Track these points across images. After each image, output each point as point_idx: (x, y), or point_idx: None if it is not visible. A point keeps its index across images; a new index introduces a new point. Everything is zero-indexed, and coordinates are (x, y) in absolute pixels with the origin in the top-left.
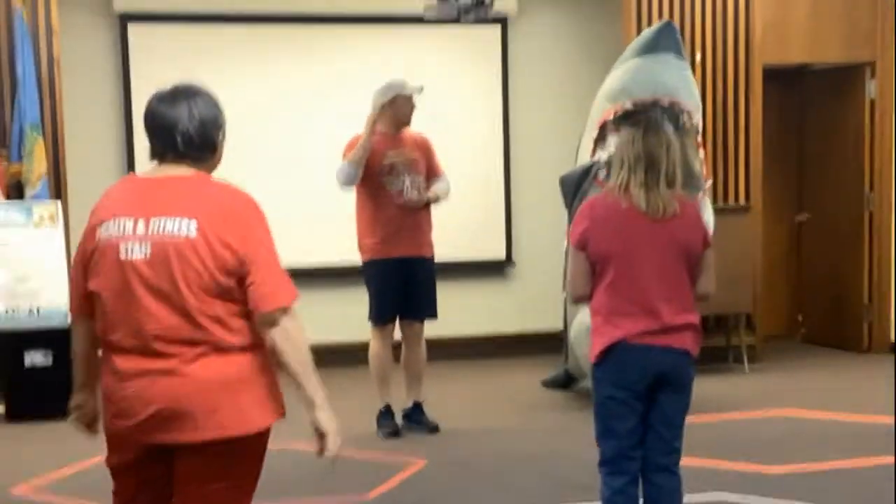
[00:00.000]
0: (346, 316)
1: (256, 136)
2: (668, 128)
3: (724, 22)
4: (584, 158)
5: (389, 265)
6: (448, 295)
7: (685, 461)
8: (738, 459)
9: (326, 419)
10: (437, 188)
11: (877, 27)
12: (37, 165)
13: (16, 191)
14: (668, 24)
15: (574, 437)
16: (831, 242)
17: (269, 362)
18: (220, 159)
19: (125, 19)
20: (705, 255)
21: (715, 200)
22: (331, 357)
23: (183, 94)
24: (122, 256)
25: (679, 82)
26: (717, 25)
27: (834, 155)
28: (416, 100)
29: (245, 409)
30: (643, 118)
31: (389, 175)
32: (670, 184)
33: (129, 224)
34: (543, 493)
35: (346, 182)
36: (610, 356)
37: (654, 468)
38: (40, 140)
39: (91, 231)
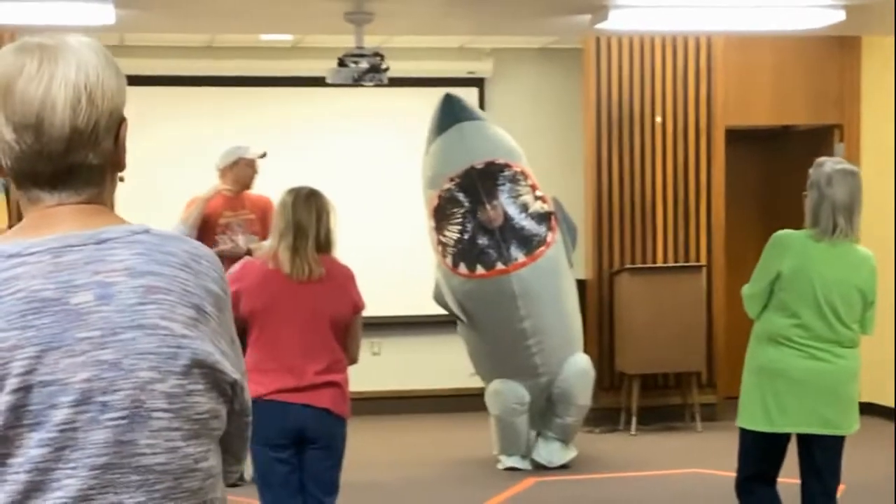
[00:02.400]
0: None
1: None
2: (321, 198)
3: (686, 84)
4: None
5: None
6: (427, 349)
7: None
8: None
9: None
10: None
11: (843, 90)
12: None
13: None
14: (447, 97)
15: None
16: None
17: None
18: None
19: None
20: (354, 321)
21: (675, 259)
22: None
23: None
24: None
25: (481, 142)
26: (679, 88)
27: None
28: (258, 165)
29: None
30: (295, 190)
31: (223, 234)
32: (321, 248)
33: None
34: None
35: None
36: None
37: None
38: (2, 197)
39: None
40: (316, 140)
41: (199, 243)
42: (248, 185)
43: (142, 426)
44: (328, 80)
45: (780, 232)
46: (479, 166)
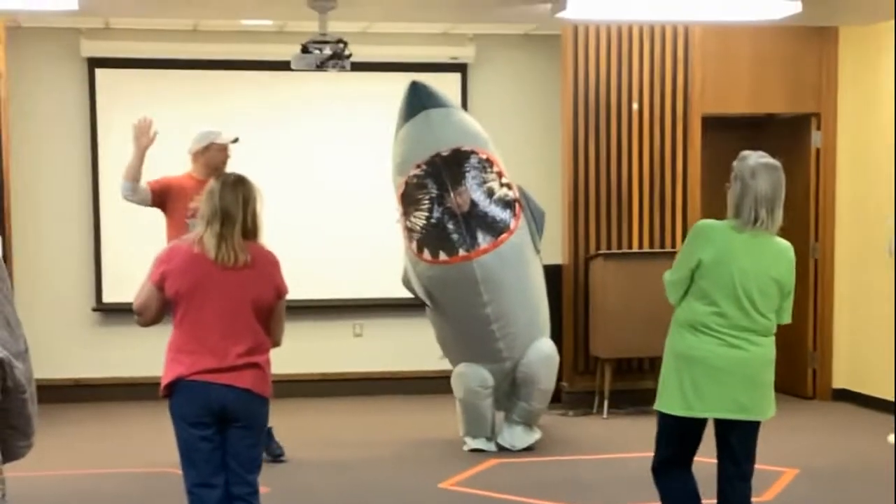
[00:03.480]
0: None
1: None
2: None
3: (663, 73)
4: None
5: None
6: (402, 332)
7: (477, 493)
8: (546, 497)
9: None
10: None
11: (821, 80)
12: None
13: None
14: (413, 84)
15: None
16: None
17: None
18: None
19: (93, 64)
20: (278, 305)
21: (651, 245)
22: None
23: None
24: None
25: (448, 129)
26: (656, 76)
27: (784, 202)
28: (231, 149)
29: None
30: (223, 176)
31: (193, 218)
32: (247, 235)
33: None
34: None
35: (123, 194)
36: (174, 391)
37: (233, 498)
38: None
39: None
40: (300, 124)
41: None
42: (219, 170)
43: None
44: (292, 66)
45: (703, 221)
46: (445, 153)
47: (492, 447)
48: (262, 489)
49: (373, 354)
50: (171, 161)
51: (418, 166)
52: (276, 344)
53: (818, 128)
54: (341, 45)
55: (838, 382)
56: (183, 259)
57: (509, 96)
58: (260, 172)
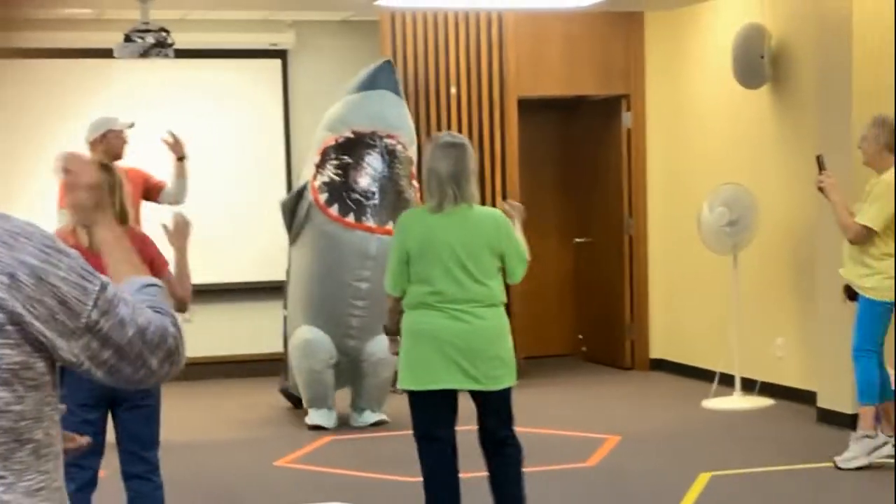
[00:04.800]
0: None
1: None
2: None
3: (478, 57)
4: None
5: None
6: (236, 316)
7: (312, 469)
8: (380, 471)
9: None
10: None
11: (629, 62)
12: None
13: None
14: (387, 62)
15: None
16: (602, 265)
17: None
18: None
19: None
20: (164, 279)
21: None
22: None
23: None
24: None
25: (396, 118)
26: (472, 60)
27: (598, 182)
28: (128, 135)
29: None
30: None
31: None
32: (118, 221)
33: None
34: None
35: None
36: (62, 376)
37: (130, 476)
38: None
39: None
40: (122, 113)
41: (22, 223)
42: (119, 156)
43: None
44: (115, 55)
45: (403, 213)
46: (382, 135)
47: (332, 421)
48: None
49: (202, 340)
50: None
51: (354, 132)
52: (179, 311)
53: (628, 109)
54: (164, 34)
55: (655, 353)
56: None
57: (329, 82)
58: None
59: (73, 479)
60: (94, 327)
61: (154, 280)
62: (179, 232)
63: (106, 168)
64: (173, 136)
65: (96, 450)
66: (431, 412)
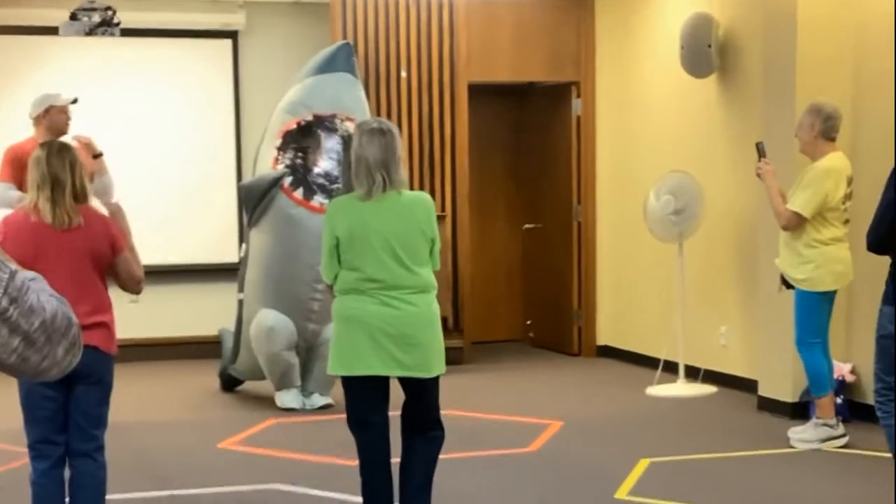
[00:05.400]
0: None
1: None
2: None
3: (429, 41)
4: (264, 168)
5: None
6: (184, 298)
7: (255, 452)
8: (322, 454)
9: None
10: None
11: (580, 49)
12: None
13: None
14: (346, 45)
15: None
16: (551, 251)
17: None
18: None
19: None
20: (119, 260)
21: None
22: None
23: None
24: None
25: (355, 101)
26: (423, 44)
27: (547, 168)
28: (71, 110)
29: None
30: (47, 144)
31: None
32: (77, 198)
33: None
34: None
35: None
36: None
37: (76, 454)
38: None
39: None
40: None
41: None
42: (62, 132)
43: None
44: (60, 34)
45: (331, 202)
46: (342, 118)
47: (301, 403)
48: None
49: (149, 321)
50: None
51: (315, 116)
52: (135, 292)
53: (578, 96)
54: (110, 13)
55: (602, 339)
56: (20, 228)
57: (280, 63)
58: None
59: (48, 455)
60: (4, 314)
61: (36, 274)
62: (115, 218)
63: (64, 147)
64: (80, 139)
65: (62, 425)
66: (363, 397)
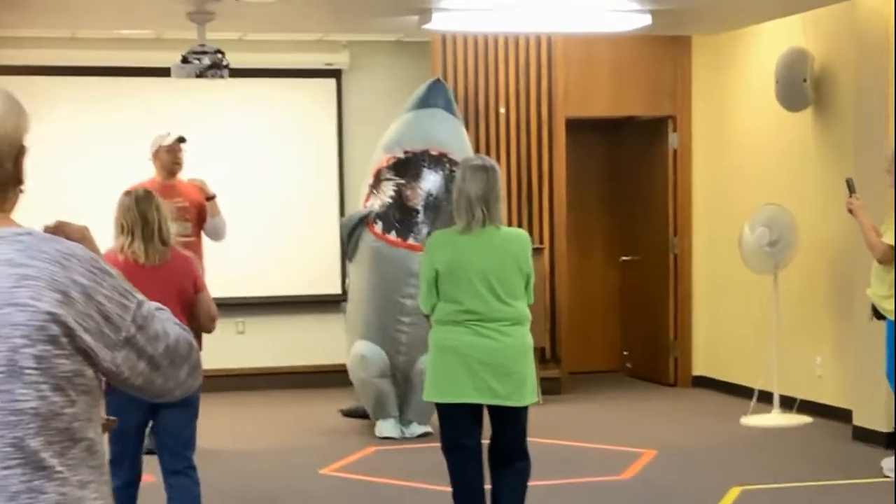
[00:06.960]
0: None
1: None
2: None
3: (527, 77)
4: (357, 205)
5: None
6: (289, 329)
7: (355, 477)
8: (419, 480)
9: None
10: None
11: (676, 84)
12: None
13: None
14: (437, 81)
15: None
16: (647, 283)
17: None
18: None
19: None
20: (198, 297)
21: None
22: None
23: None
24: None
25: (447, 134)
26: (521, 81)
27: (644, 201)
28: (181, 148)
29: None
30: (132, 192)
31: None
32: (164, 240)
33: None
34: None
35: None
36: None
37: (169, 472)
38: None
39: None
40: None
41: (73, 245)
42: (173, 172)
43: (16, 379)
44: (172, 76)
45: (432, 234)
46: (434, 153)
47: (399, 432)
48: (146, 477)
49: (255, 351)
50: (43, 171)
51: (406, 152)
52: (207, 331)
53: (674, 130)
54: (220, 56)
55: (698, 370)
56: (113, 266)
57: (382, 101)
58: (140, 178)
59: (116, 475)
60: (132, 340)
61: (161, 305)
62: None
63: (149, 193)
64: (194, 182)
65: (138, 448)
66: (457, 423)
